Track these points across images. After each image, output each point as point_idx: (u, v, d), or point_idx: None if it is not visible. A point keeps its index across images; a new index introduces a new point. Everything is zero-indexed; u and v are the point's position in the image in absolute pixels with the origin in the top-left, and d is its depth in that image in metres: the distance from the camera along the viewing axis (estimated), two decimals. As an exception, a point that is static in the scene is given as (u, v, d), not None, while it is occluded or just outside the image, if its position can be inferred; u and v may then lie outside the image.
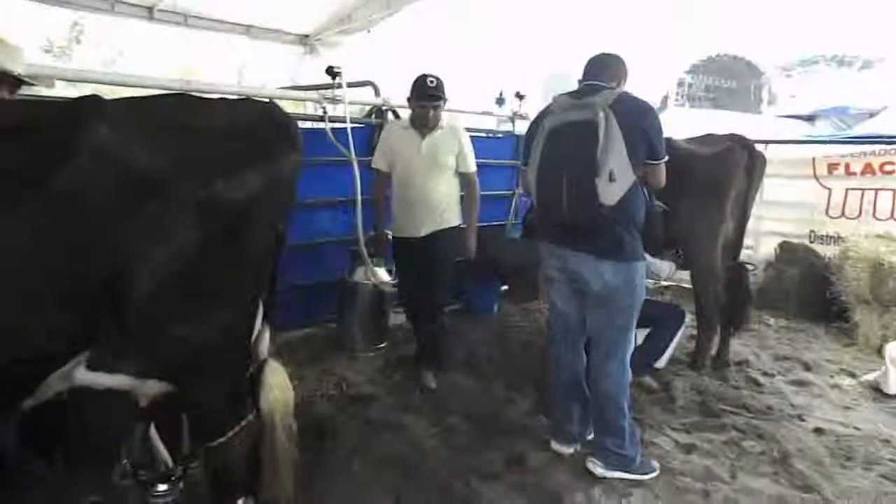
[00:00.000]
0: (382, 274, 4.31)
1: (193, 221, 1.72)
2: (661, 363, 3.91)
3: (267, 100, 2.28)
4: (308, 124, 4.39)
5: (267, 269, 2.03)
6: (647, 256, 3.70)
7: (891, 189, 5.27)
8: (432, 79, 3.54)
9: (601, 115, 2.56)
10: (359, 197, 4.07)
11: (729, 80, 35.69)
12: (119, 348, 1.73)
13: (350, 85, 5.06)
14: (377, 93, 4.76)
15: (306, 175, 4.16)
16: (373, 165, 3.87)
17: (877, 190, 5.33)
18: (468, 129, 6.40)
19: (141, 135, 1.67)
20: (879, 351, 4.24)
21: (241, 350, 2.02)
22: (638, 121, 2.62)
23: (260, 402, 2.08)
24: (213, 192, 1.74)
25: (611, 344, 2.80)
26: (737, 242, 3.95)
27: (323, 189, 4.31)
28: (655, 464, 2.82)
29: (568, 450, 2.96)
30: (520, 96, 5.79)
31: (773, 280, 5.66)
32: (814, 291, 5.22)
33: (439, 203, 3.72)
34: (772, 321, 5.22)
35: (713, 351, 4.03)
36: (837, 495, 2.64)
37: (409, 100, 3.67)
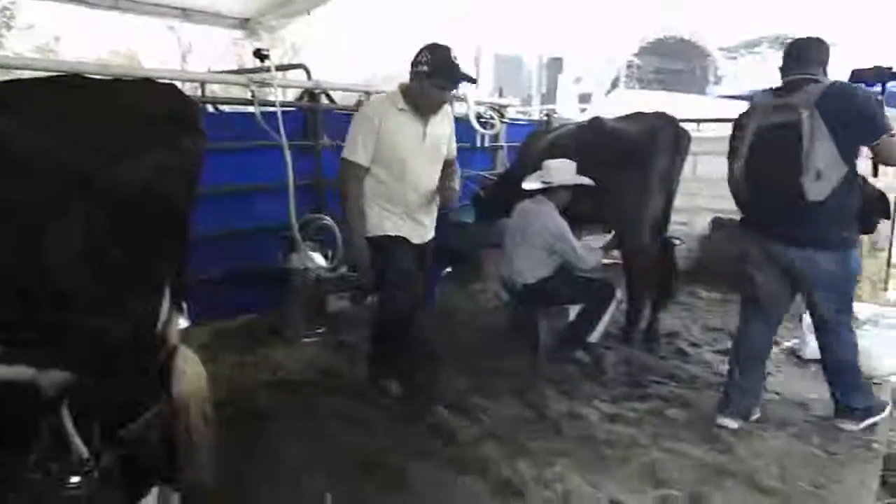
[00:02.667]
0: (318, 259, 4.29)
1: (91, 205, 1.69)
2: (594, 338, 4.00)
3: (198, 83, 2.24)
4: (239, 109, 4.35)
5: (172, 253, 1.99)
6: (577, 245, 3.80)
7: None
8: (455, 54, 3.03)
9: (805, 115, 2.58)
10: (291, 182, 4.04)
11: (676, 61, 36.39)
12: (17, 337, 1.69)
13: (281, 68, 5.01)
14: (309, 76, 4.70)
15: (236, 160, 4.20)
16: (347, 156, 3.08)
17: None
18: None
19: (34, 117, 1.65)
20: (801, 319, 4.43)
21: (148, 337, 1.99)
22: (848, 111, 2.59)
23: (172, 388, 2.06)
24: (110, 174, 1.71)
25: (840, 321, 2.91)
26: (664, 218, 4.05)
27: (255, 175, 4.26)
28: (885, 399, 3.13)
29: (734, 424, 3.02)
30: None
31: (705, 255, 5.84)
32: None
33: (434, 200, 3.34)
34: (704, 294, 5.39)
35: (644, 324, 4.13)
36: (750, 455, 2.76)
37: (420, 76, 2.99)
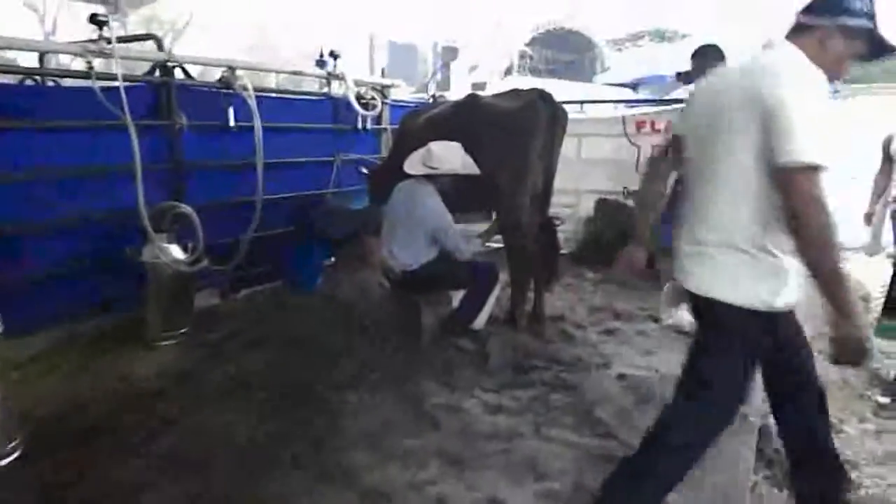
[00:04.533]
0: (175, 251, 3.84)
1: None
2: (478, 324, 3.84)
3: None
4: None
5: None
6: (456, 235, 3.61)
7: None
8: None
9: None
10: (137, 164, 3.58)
11: (566, 52, 37.50)
12: None
13: (127, 39, 4.48)
14: (160, 47, 4.20)
15: (69, 140, 3.67)
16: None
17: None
18: (282, 92, 6.03)
19: None
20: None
21: None
22: None
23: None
24: None
25: None
26: (544, 197, 3.93)
27: (95, 156, 3.74)
28: None
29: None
30: (334, 55, 5.43)
31: (591, 236, 5.86)
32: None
33: None
34: (590, 275, 5.38)
35: (528, 307, 4.01)
36: (634, 437, 2.66)
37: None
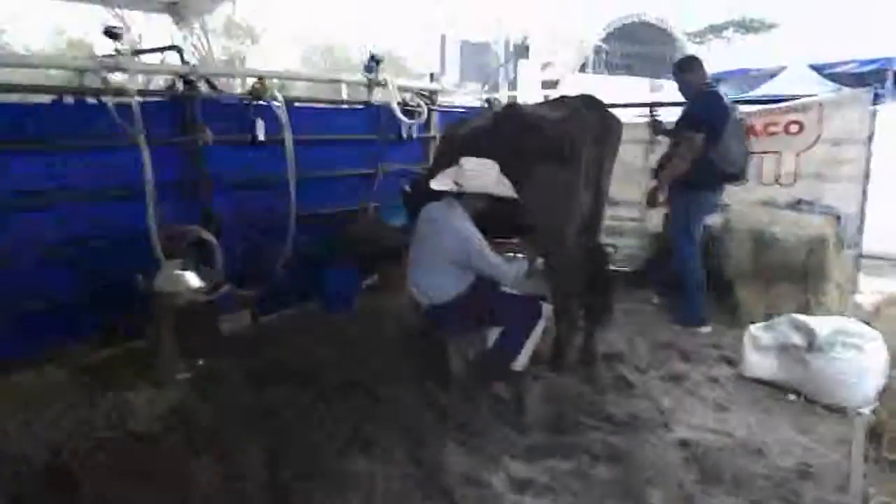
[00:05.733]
0: (191, 279, 3.57)
1: None
2: (519, 365, 3.35)
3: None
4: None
5: None
6: (493, 256, 3.16)
7: (774, 152, 4.89)
8: None
9: None
10: (149, 185, 3.34)
11: (643, 46, 36.10)
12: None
13: (145, 52, 4.28)
14: (183, 59, 3.95)
15: (82, 160, 3.47)
16: None
17: (762, 153, 4.93)
18: (319, 101, 5.72)
19: None
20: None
21: None
22: None
23: None
24: None
25: None
26: (594, 220, 3.40)
27: (111, 176, 3.52)
28: None
29: None
30: (376, 60, 5.06)
31: (659, 253, 5.23)
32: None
33: None
34: (656, 300, 4.78)
35: (579, 344, 3.50)
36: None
37: None
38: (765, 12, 28.84)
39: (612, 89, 14.43)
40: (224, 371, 3.49)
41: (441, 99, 6.07)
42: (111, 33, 3.44)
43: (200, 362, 3.62)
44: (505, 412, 3.01)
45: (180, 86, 3.87)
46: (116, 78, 3.48)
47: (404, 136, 5.35)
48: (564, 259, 3.28)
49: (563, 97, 3.53)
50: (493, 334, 3.32)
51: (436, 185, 3.27)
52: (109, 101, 3.33)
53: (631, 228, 5.69)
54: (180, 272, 3.52)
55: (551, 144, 3.13)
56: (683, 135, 4.04)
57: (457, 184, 3.20)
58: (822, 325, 3.19)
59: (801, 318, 3.24)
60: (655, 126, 4.59)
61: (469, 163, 3.23)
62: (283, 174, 4.16)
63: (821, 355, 3.06)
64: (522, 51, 42.35)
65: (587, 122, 3.18)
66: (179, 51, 4.01)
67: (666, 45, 36.54)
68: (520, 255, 3.43)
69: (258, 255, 4.15)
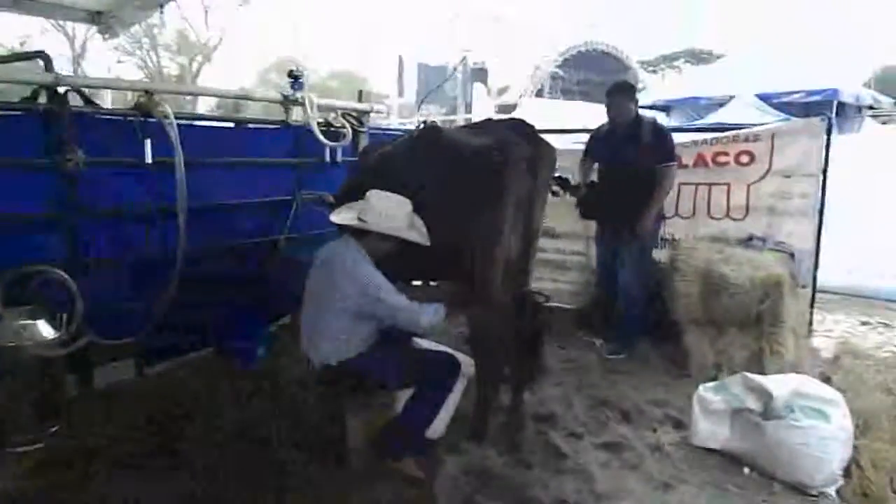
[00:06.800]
0: (42, 328, 2.96)
1: None
2: (435, 432, 2.85)
3: None
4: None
5: None
6: (398, 300, 2.65)
7: (724, 183, 4.54)
8: None
9: None
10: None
11: (599, 73, 36.69)
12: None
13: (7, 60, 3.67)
14: (48, 67, 3.35)
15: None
16: None
17: (710, 185, 4.59)
18: (223, 120, 5.12)
19: None
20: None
21: None
22: None
23: None
24: None
25: None
26: (523, 263, 2.92)
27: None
28: None
29: None
30: (294, 76, 4.55)
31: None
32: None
33: None
34: (597, 343, 4.34)
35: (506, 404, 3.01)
36: None
37: None
38: (713, 44, 29.61)
39: (567, 114, 14.25)
40: (71, 445, 2.89)
41: (381, 121, 5.58)
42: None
43: (53, 429, 3.01)
44: (408, 499, 2.47)
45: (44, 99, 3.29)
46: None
47: (327, 159, 4.83)
48: (487, 308, 2.79)
49: (491, 120, 3.08)
50: (404, 397, 2.80)
51: (335, 218, 2.76)
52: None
53: (574, 263, 5.28)
54: (26, 322, 2.92)
55: (473, 173, 2.66)
56: (661, 168, 4.00)
57: (360, 220, 2.70)
58: (778, 385, 2.76)
59: (755, 377, 2.82)
60: (564, 186, 4.24)
61: (377, 197, 2.73)
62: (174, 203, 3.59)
63: (778, 423, 2.64)
64: (480, 75, 42.61)
65: (517, 151, 2.72)
66: (46, 58, 3.40)
67: (620, 73, 37.21)
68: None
69: (137, 299, 3.55)
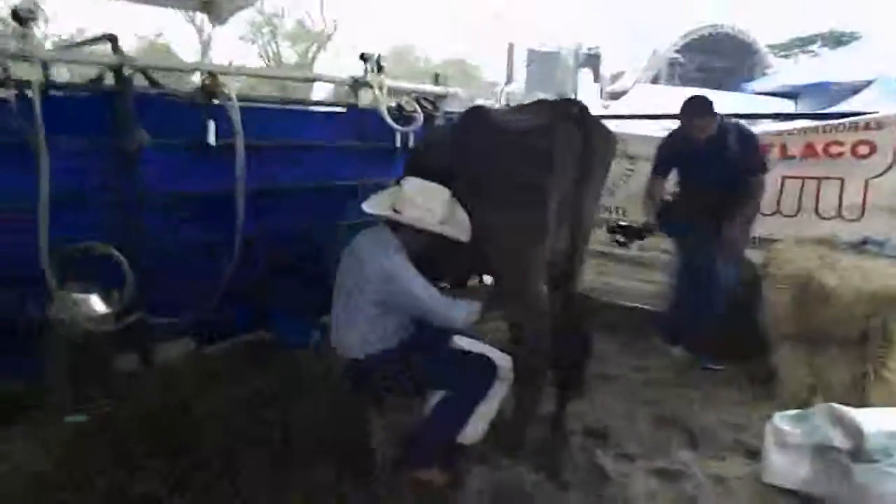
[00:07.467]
0: (95, 303, 3.04)
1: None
2: (468, 438, 2.62)
3: None
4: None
5: None
6: (429, 293, 2.46)
7: (837, 178, 3.94)
8: None
9: None
10: (44, 196, 2.83)
11: (723, 58, 34.50)
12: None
13: (79, 44, 3.79)
14: (115, 49, 3.43)
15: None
16: None
17: (820, 179, 4.00)
18: (289, 102, 5.11)
19: None
20: (805, 408, 2.94)
21: None
22: None
23: None
24: None
25: None
26: (571, 261, 2.60)
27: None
28: None
29: None
30: (365, 58, 4.43)
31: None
32: (738, 316, 3.87)
33: None
34: (676, 351, 3.91)
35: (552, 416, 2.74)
36: None
37: None
38: (857, 24, 26.74)
39: (681, 101, 13.34)
40: (121, 416, 2.95)
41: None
42: (19, 17, 2.96)
43: (103, 401, 3.09)
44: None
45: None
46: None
47: (398, 145, 4.70)
48: (529, 310, 2.53)
49: (543, 101, 2.79)
50: (435, 400, 2.61)
51: (367, 206, 2.60)
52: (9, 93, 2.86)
53: (659, 261, 4.83)
54: (79, 296, 3.00)
55: (511, 160, 2.40)
56: (752, 180, 3.66)
57: (395, 210, 2.53)
58: (873, 421, 2.30)
59: (845, 409, 2.37)
60: (628, 233, 3.92)
61: (411, 185, 2.55)
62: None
63: (870, 468, 2.19)
64: (592, 61, 41.33)
65: (566, 135, 2.42)
66: (113, 40, 3.49)
67: (745, 58, 34.77)
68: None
69: (195, 280, 3.58)
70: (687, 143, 3.70)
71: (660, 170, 3.95)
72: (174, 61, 4.04)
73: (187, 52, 24.25)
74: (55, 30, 17.82)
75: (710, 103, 3.63)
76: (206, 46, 26.53)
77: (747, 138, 3.67)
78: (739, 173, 3.60)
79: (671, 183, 4.04)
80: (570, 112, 2.47)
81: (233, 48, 28.36)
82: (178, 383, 3.34)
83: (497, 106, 5.19)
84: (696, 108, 3.62)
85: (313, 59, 29.46)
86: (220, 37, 27.80)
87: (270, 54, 29.52)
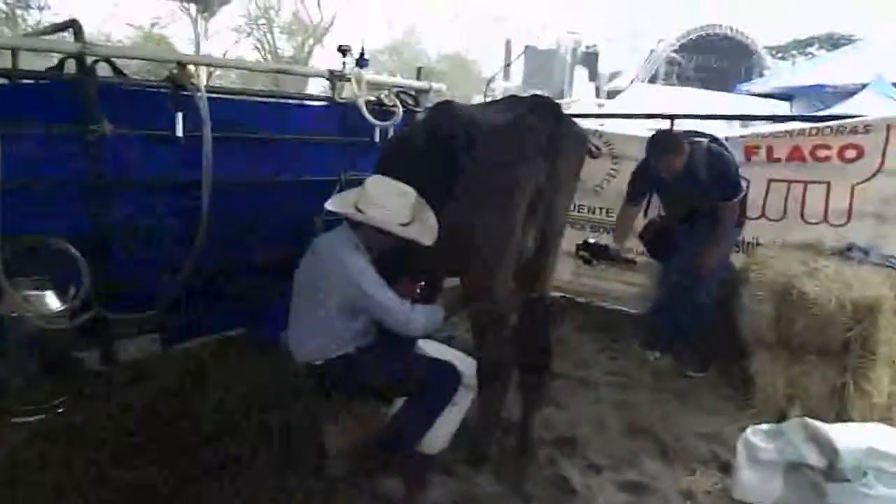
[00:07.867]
0: (49, 300, 2.93)
1: None
2: (432, 447, 2.52)
3: None
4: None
5: None
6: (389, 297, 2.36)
7: (823, 182, 3.84)
8: None
9: None
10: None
11: (720, 59, 34.52)
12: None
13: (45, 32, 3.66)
14: (78, 36, 3.30)
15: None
16: None
17: (805, 183, 3.90)
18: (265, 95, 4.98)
19: None
20: (782, 419, 2.85)
21: None
22: None
23: None
24: None
25: None
26: (539, 263, 2.50)
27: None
28: None
29: None
30: (343, 51, 4.31)
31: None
32: (718, 320, 3.78)
33: None
34: (652, 356, 3.82)
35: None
36: None
37: None
38: (855, 28, 26.68)
39: (677, 101, 13.23)
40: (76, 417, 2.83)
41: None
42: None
43: (52, 403, 2.96)
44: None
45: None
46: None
47: (377, 139, 4.58)
48: (492, 313, 2.43)
49: (515, 97, 2.68)
50: (397, 406, 2.51)
51: (330, 204, 2.49)
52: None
53: (644, 263, 4.73)
54: (31, 293, 2.88)
55: (475, 158, 2.29)
56: (723, 204, 3.50)
57: (358, 209, 2.42)
58: (849, 437, 2.21)
59: (820, 425, 2.27)
60: (596, 254, 3.80)
61: (375, 184, 2.45)
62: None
63: (844, 487, 2.10)
64: (589, 58, 41.23)
65: (532, 131, 2.31)
66: (76, 28, 3.35)
67: (742, 59, 34.78)
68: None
69: (153, 275, 3.47)
70: (657, 171, 3.58)
71: (632, 197, 3.85)
72: (143, 51, 3.86)
73: (185, 44, 23.99)
74: (50, 18, 17.69)
75: (678, 141, 3.49)
76: (198, 38, 26.29)
77: (719, 162, 3.50)
78: (710, 199, 3.49)
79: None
80: (538, 108, 2.35)
81: (227, 39, 28.10)
82: (138, 382, 3.23)
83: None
84: (663, 147, 3.49)
85: (309, 52, 29.24)
86: (219, 29, 27.53)
87: (266, 47, 29.29)
